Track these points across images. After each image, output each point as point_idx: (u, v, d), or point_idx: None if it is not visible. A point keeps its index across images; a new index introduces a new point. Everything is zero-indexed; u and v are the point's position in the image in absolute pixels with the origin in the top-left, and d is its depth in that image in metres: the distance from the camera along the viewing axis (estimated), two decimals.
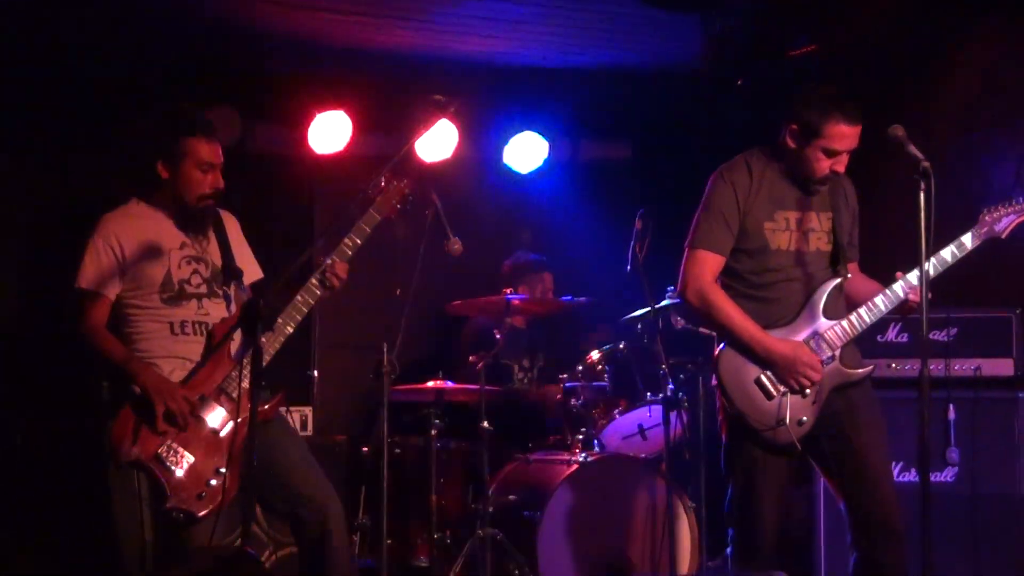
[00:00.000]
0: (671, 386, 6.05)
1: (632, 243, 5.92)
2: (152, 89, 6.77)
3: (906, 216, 4.19)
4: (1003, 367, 5.75)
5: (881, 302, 4.56)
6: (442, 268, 5.58)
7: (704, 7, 6.23)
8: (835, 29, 6.25)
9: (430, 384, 6.42)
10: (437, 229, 5.10)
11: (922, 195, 4.09)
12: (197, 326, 4.56)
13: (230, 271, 4.68)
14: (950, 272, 4.59)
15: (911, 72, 7.00)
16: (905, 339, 5.85)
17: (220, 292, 4.66)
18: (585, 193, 8.20)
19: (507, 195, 8.18)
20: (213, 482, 4.38)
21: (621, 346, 6.58)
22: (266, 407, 4.53)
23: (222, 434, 4.45)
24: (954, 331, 5.76)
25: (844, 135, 4.46)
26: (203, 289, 4.61)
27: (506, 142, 7.93)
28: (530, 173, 8.03)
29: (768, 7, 6.27)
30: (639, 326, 6.49)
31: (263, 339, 4.23)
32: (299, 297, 4.58)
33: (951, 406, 5.72)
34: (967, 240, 4.59)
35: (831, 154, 4.48)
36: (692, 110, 7.90)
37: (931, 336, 4.33)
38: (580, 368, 6.60)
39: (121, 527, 4.38)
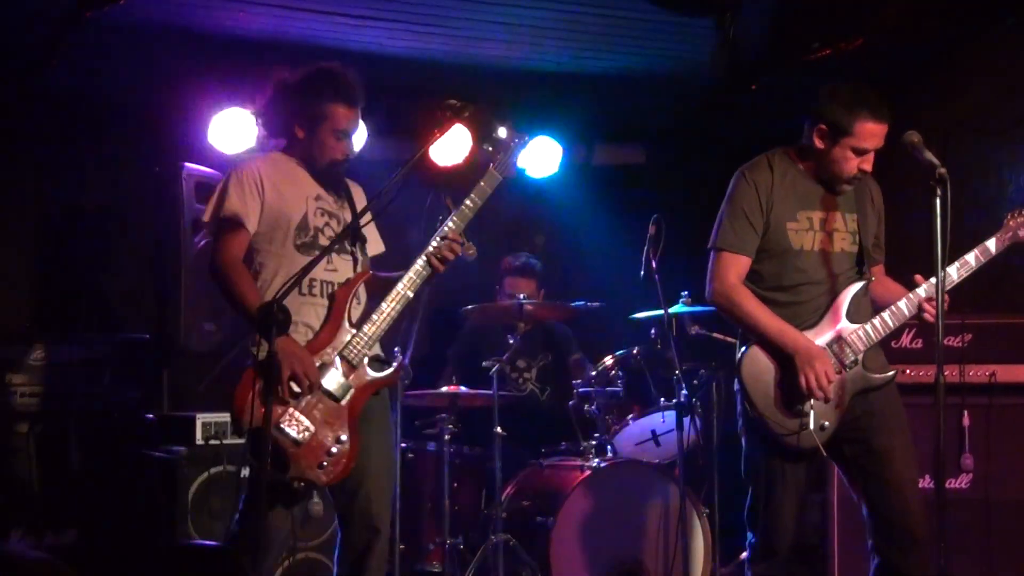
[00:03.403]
0: (684, 392, 6.03)
1: (646, 248, 5.91)
2: (166, 93, 6.80)
3: (924, 220, 4.18)
4: (1018, 373, 5.73)
5: (905, 306, 4.54)
6: (456, 273, 5.57)
7: (718, 12, 6.22)
8: (849, 34, 6.23)
9: (443, 389, 6.41)
10: None
11: (938, 202, 4.08)
12: (325, 286, 4.47)
13: (355, 235, 4.60)
14: (965, 278, 4.57)
15: (927, 76, 7.00)
16: (920, 345, 5.83)
17: (349, 250, 4.58)
18: (599, 198, 8.19)
19: (521, 200, 8.17)
20: (334, 450, 4.31)
21: (635, 352, 6.57)
22: (387, 373, 4.49)
23: (343, 402, 4.37)
24: (969, 337, 5.74)
25: (874, 133, 4.45)
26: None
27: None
28: (545, 178, 8.02)
29: (782, 12, 6.26)
30: (652, 331, 6.49)
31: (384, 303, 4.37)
32: (419, 263, 4.49)
33: (965, 412, 5.70)
34: (991, 245, 4.58)
35: (860, 152, 4.47)
36: (707, 115, 7.90)
37: (946, 342, 4.29)
38: (593, 374, 6.60)
39: (131, 521, 4.33)
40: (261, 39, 6.60)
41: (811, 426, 4.42)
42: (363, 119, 7.20)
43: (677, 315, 6.22)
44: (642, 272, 5.91)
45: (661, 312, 6.04)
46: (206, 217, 4.51)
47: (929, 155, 4.18)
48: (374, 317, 4.42)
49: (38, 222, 6.99)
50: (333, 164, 4.59)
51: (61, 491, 6.13)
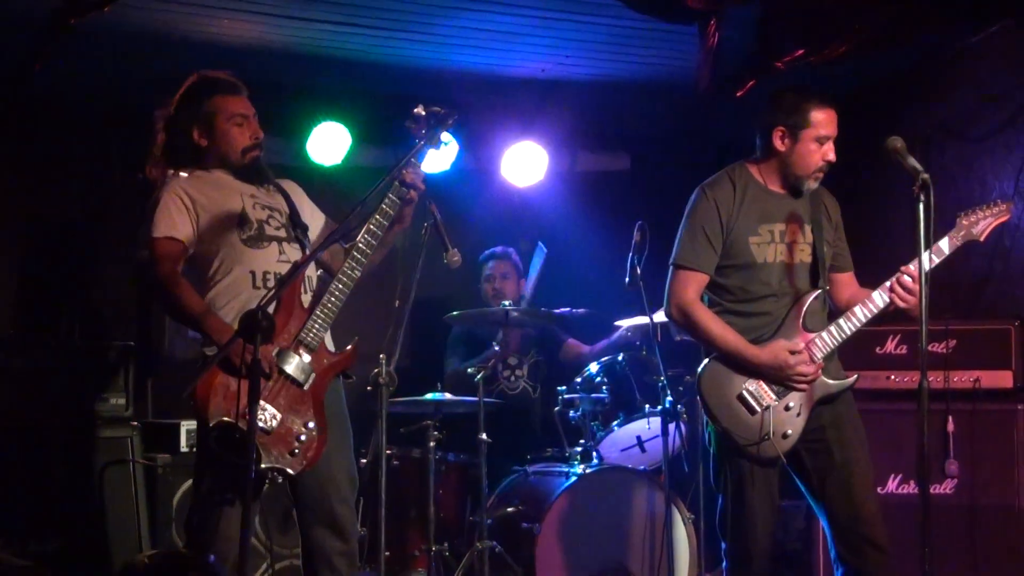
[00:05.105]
0: (669, 398, 6.04)
1: (631, 255, 5.91)
2: (151, 101, 6.78)
3: (898, 224, 4.20)
4: (1002, 379, 5.75)
5: (860, 311, 4.56)
6: (441, 280, 5.57)
7: (702, 19, 6.23)
8: (832, 41, 6.25)
9: (428, 396, 6.41)
10: (436, 241, 5.09)
11: (921, 207, 4.09)
12: (278, 277, 4.44)
13: (296, 222, 4.62)
14: (949, 284, 4.58)
15: (910, 83, 7.02)
16: (904, 351, 5.85)
17: (297, 238, 4.59)
18: (584, 205, 8.19)
19: (506, 206, 8.18)
20: (303, 437, 4.28)
21: (620, 358, 6.57)
22: (345, 351, 4.50)
23: (306, 387, 4.35)
24: (953, 343, 5.76)
25: (828, 119, 4.57)
26: (283, 233, 4.56)
27: (504, 153, 7.92)
28: (529, 185, 8.02)
29: (766, 20, 6.28)
30: (637, 341, 6.51)
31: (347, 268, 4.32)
32: (360, 240, 4.43)
33: (950, 418, 5.71)
34: (944, 245, 4.57)
35: (823, 141, 4.56)
36: (691, 122, 7.90)
37: (930, 348, 4.31)
38: (579, 380, 6.60)
39: (114, 529, 4.30)
40: (244, 46, 6.59)
41: (772, 435, 4.45)
42: (346, 127, 7.29)
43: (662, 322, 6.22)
44: (627, 279, 5.91)
45: (646, 321, 6.04)
46: (140, 242, 4.49)
47: (912, 161, 4.20)
48: (326, 298, 4.39)
49: (22, 229, 6.96)
50: (247, 153, 4.60)
51: (44, 499, 6.10)
